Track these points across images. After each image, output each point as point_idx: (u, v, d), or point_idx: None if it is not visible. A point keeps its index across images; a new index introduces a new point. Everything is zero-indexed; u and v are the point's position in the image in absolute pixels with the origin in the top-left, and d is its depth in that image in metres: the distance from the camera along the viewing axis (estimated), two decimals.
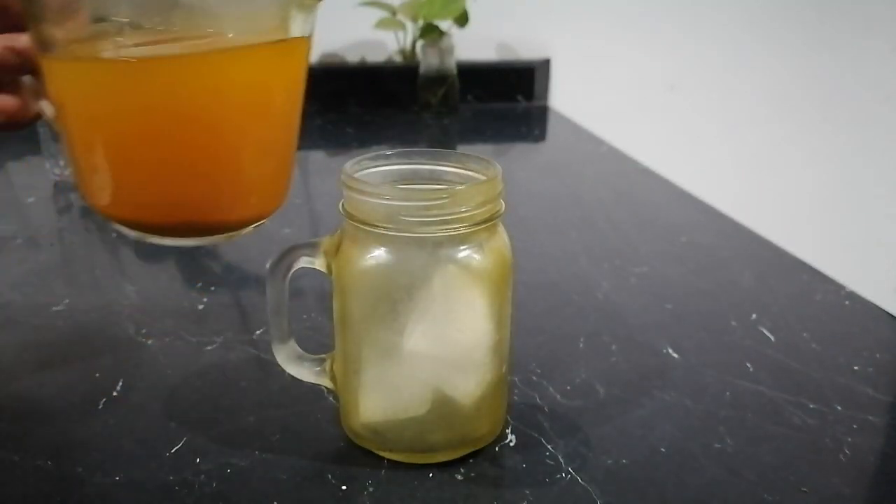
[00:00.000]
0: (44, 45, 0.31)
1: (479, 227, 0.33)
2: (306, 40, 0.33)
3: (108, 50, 0.30)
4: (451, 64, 1.12)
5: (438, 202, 0.32)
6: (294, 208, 0.75)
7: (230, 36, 0.31)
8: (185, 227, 0.33)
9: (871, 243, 1.34)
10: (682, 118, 1.27)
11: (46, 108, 0.33)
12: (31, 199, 0.81)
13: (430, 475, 0.36)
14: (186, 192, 0.33)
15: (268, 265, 0.36)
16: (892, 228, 1.33)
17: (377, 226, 0.32)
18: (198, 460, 0.37)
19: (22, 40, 0.31)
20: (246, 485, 0.35)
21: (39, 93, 0.33)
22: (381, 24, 1.10)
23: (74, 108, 0.32)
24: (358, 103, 1.17)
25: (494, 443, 0.38)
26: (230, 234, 0.34)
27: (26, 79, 0.33)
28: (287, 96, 0.34)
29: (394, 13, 1.11)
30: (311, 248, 0.36)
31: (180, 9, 0.30)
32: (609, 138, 1.01)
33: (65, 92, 0.32)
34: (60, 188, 0.82)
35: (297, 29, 0.32)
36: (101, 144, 0.32)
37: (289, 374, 0.39)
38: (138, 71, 0.30)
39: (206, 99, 0.31)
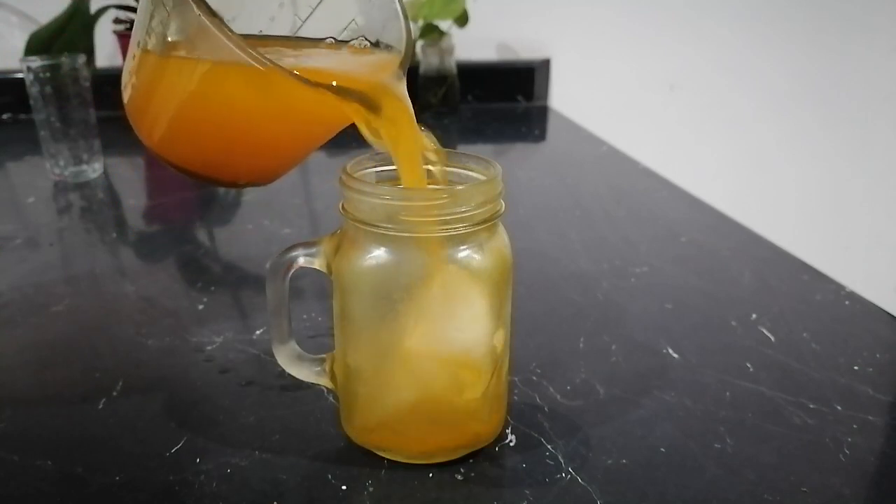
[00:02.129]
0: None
1: (479, 227, 0.33)
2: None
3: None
4: (451, 64, 1.12)
5: (438, 202, 0.32)
6: (294, 208, 0.75)
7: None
8: (202, 178, 0.37)
9: (871, 243, 1.34)
10: (682, 118, 1.27)
11: None
12: (31, 200, 0.81)
13: (430, 475, 0.36)
14: (219, 161, 0.36)
15: (268, 265, 0.36)
16: (892, 228, 1.33)
17: (377, 226, 0.32)
18: (198, 460, 0.37)
19: None
20: (246, 485, 0.35)
21: None
22: None
23: (153, 78, 0.34)
24: None
25: (494, 443, 0.38)
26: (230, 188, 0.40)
27: None
28: (333, 131, 0.35)
29: None
30: (311, 247, 0.36)
31: None
32: (609, 138, 1.01)
33: (144, 65, 0.34)
34: (60, 188, 0.82)
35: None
36: (168, 105, 0.34)
37: (289, 374, 0.39)
38: (219, 74, 0.32)
39: (266, 112, 0.33)
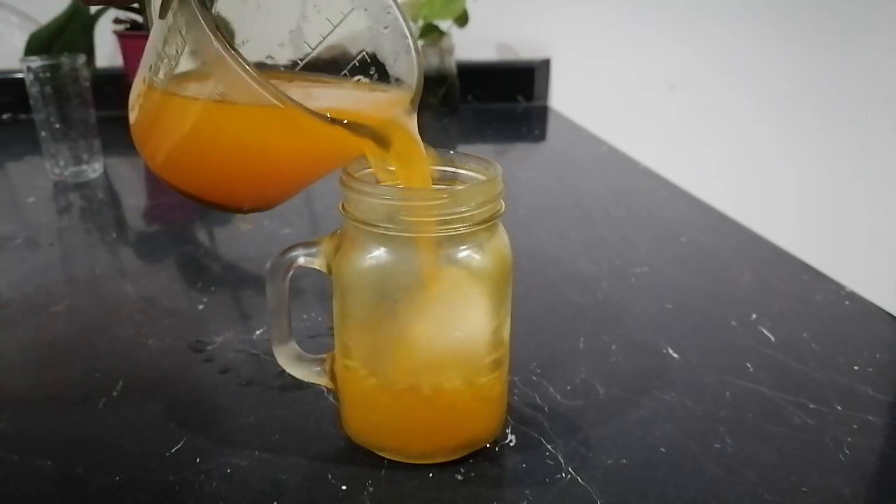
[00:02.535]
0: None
1: (479, 227, 0.33)
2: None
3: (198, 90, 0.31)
4: (451, 64, 1.12)
5: (438, 202, 0.32)
6: (294, 208, 0.75)
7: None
8: (206, 203, 0.36)
9: (871, 243, 1.34)
10: (682, 118, 1.27)
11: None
12: (31, 200, 0.81)
13: (430, 475, 0.36)
14: (225, 191, 0.36)
15: (268, 265, 0.36)
16: (892, 228, 1.33)
17: (377, 225, 0.32)
18: (198, 460, 0.37)
19: None
20: (246, 485, 0.35)
21: None
22: None
23: (161, 108, 0.34)
24: None
25: (494, 443, 0.38)
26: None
27: None
28: (341, 164, 0.35)
29: None
30: (311, 247, 0.36)
31: None
32: (609, 138, 1.01)
33: (153, 92, 0.34)
34: (60, 188, 0.82)
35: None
36: (175, 135, 0.34)
37: (289, 374, 0.39)
38: (221, 113, 0.32)
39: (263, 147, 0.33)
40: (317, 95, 0.37)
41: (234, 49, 0.28)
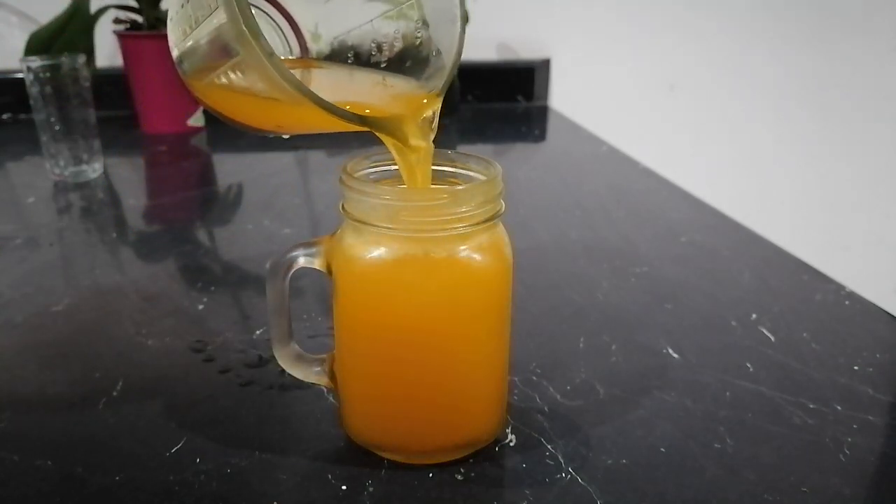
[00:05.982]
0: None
1: (479, 227, 0.33)
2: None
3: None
4: None
5: (438, 202, 0.32)
6: (294, 208, 0.75)
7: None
8: (232, 123, 0.36)
9: (871, 243, 1.34)
10: (682, 118, 1.27)
11: None
12: (31, 200, 0.81)
13: (430, 475, 0.36)
14: (248, 121, 0.35)
15: (268, 265, 0.36)
16: (892, 228, 1.33)
17: (377, 225, 0.32)
18: (198, 460, 0.37)
19: None
20: (246, 485, 0.35)
21: None
22: None
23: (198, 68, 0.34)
24: None
25: (494, 443, 0.38)
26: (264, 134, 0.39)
27: None
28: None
29: None
30: (311, 247, 0.36)
31: None
32: (609, 138, 1.01)
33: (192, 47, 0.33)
34: (60, 188, 0.82)
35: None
36: (211, 87, 0.34)
37: (289, 374, 0.39)
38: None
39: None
40: (339, 81, 0.37)
41: (265, 41, 0.28)
